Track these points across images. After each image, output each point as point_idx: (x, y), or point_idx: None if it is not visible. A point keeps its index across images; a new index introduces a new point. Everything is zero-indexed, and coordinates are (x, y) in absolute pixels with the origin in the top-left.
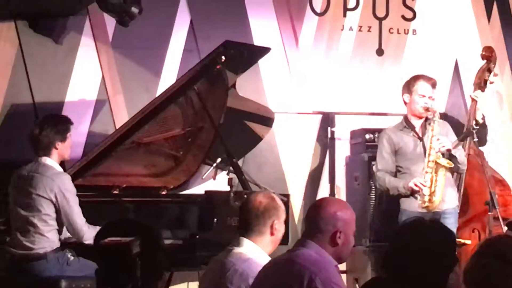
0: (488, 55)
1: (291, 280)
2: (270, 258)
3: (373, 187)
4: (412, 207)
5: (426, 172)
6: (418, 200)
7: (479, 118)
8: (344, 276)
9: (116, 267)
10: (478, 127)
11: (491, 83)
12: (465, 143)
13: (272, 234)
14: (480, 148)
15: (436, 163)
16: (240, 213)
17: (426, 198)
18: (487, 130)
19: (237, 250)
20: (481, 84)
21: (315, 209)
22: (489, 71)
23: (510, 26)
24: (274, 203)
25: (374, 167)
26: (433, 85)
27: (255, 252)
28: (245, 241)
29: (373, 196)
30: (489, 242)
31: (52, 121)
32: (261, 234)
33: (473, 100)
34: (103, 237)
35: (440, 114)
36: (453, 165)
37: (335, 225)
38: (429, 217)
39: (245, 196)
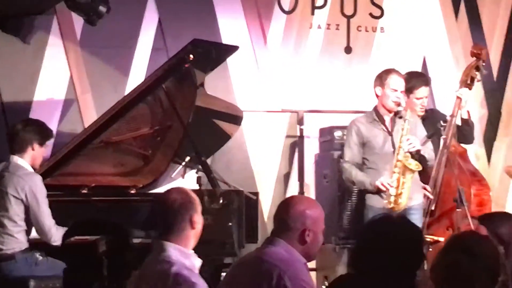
0: (478, 52)
1: (260, 278)
2: (196, 257)
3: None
4: (379, 204)
5: (394, 172)
6: (384, 199)
7: (464, 116)
8: (313, 274)
9: (82, 265)
10: (445, 124)
11: (478, 81)
12: (446, 139)
13: (192, 228)
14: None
15: (404, 165)
16: (157, 216)
17: (392, 199)
18: (473, 127)
19: (162, 256)
20: (467, 81)
21: (284, 207)
22: (478, 69)
23: (477, 23)
24: (188, 197)
25: (341, 158)
26: (427, 83)
27: (180, 255)
28: (167, 245)
29: (342, 193)
30: (456, 238)
31: (37, 123)
32: (182, 231)
33: (458, 98)
34: (70, 236)
35: (430, 109)
36: (421, 168)
37: (304, 223)
38: (396, 214)
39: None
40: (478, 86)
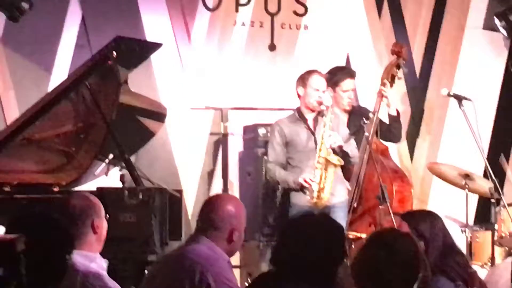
0: (398, 50)
1: (182, 274)
2: (101, 258)
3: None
4: (302, 201)
5: (316, 168)
6: (307, 196)
7: (393, 113)
8: (237, 271)
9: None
10: (368, 121)
11: (399, 78)
12: (368, 136)
13: (95, 232)
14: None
15: (327, 160)
16: None
17: (315, 194)
18: (400, 125)
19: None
20: (389, 79)
21: (211, 207)
22: (398, 66)
23: (400, 21)
24: (88, 202)
25: (265, 158)
26: (353, 75)
27: (85, 260)
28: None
29: (266, 191)
30: (376, 234)
31: None
32: (85, 236)
33: (379, 95)
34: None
35: (355, 106)
36: (343, 163)
37: (231, 223)
38: (318, 211)
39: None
40: (401, 84)
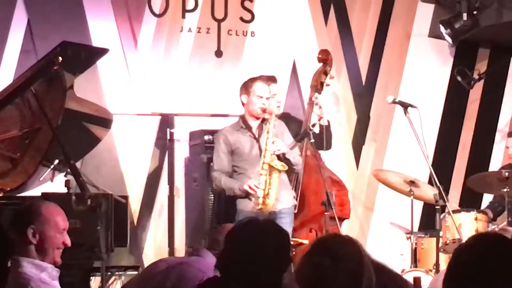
0: (324, 58)
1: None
2: (54, 268)
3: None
4: (248, 207)
5: (261, 174)
6: (253, 202)
7: (323, 122)
8: None
9: None
10: (314, 128)
11: (328, 85)
12: (303, 144)
13: (36, 240)
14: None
15: (270, 166)
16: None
17: (260, 200)
18: (331, 134)
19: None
20: (318, 86)
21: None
22: (325, 73)
23: (346, 29)
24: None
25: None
26: (273, 80)
27: (36, 269)
28: (22, 260)
29: (212, 197)
30: (320, 240)
31: None
32: (26, 244)
33: (311, 102)
34: None
35: (283, 113)
36: (287, 168)
37: None
38: (263, 217)
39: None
40: (347, 91)
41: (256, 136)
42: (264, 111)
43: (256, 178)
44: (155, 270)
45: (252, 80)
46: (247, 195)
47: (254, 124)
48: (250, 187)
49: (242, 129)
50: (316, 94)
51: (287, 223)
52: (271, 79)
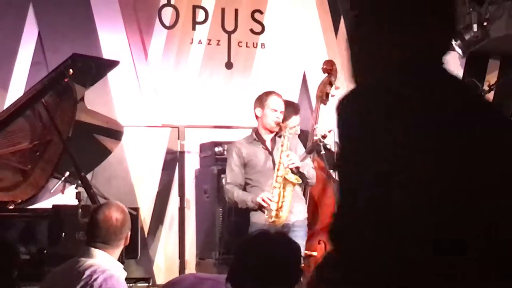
0: (329, 68)
1: None
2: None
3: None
4: (261, 220)
5: (274, 187)
6: (266, 214)
7: (326, 132)
8: None
9: None
10: (324, 140)
11: (333, 96)
12: (313, 156)
13: (125, 243)
14: None
15: (285, 178)
16: (95, 229)
17: (273, 213)
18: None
19: (90, 261)
20: (323, 97)
21: None
22: (331, 84)
23: None
24: (127, 216)
25: (223, 180)
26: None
27: (109, 262)
28: (97, 252)
29: (221, 209)
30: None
31: None
32: (118, 247)
33: (314, 113)
34: None
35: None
36: (301, 181)
37: None
38: (275, 230)
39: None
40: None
41: (270, 149)
42: (278, 124)
43: (269, 190)
44: (182, 283)
45: (267, 94)
46: (259, 208)
47: (267, 137)
48: (263, 200)
49: (255, 142)
50: (320, 105)
51: (300, 236)
52: (296, 112)
